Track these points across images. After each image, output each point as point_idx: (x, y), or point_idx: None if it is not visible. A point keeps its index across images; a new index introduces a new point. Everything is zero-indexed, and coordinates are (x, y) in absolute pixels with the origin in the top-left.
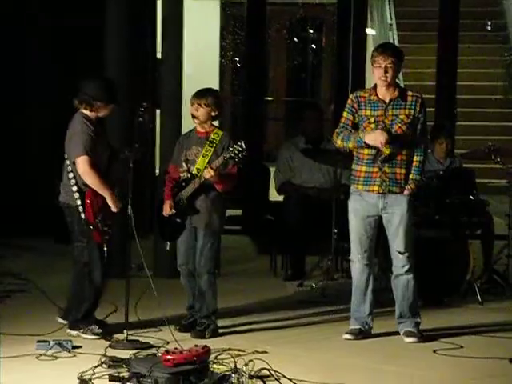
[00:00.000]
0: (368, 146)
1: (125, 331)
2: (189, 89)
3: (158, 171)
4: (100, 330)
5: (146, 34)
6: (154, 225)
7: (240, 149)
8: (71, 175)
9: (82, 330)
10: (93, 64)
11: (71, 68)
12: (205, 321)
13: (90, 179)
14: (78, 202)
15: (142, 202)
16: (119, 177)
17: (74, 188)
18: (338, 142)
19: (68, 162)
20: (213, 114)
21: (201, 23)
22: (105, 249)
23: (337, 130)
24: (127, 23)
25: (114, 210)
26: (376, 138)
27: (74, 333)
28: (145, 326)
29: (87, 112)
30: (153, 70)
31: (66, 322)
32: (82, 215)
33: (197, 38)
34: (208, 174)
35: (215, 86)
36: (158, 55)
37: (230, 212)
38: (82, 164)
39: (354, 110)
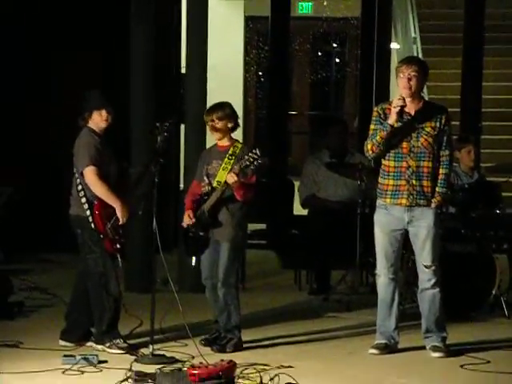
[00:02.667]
0: (394, 136)
1: (150, 346)
2: (212, 103)
3: (182, 186)
4: (125, 345)
5: (170, 48)
6: (178, 239)
7: (255, 156)
8: (80, 187)
9: (107, 345)
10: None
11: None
12: (228, 335)
13: (98, 189)
14: (88, 213)
15: (167, 216)
16: (145, 191)
17: (83, 199)
18: (369, 147)
19: (76, 175)
20: (229, 125)
21: (225, 38)
22: (119, 258)
23: (366, 141)
24: (152, 38)
25: (121, 221)
26: (395, 103)
27: (99, 347)
28: (170, 341)
29: (90, 125)
30: (177, 85)
31: (70, 344)
32: (92, 225)
33: (221, 53)
34: (231, 178)
35: (239, 100)
36: (183, 70)
37: (254, 226)
38: (90, 174)
39: (380, 121)
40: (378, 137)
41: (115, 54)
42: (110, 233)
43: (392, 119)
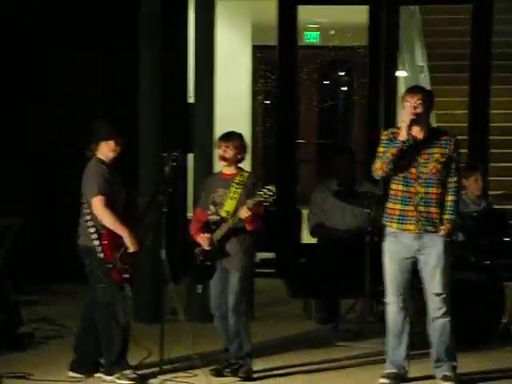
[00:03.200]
0: (403, 158)
1: (160, 376)
2: (220, 132)
3: (189, 215)
4: (135, 375)
5: (178, 78)
6: (186, 269)
7: (270, 193)
8: (88, 217)
9: (116, 375)
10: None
11: None
12: (240, 361)
13: (106, 219)
14: (96, 243)
15: (175, 246)
16: (153, 221)
17: (92, 229)
18: (378, 166)
19: (84, 205)
20: (239, 156)
21: (232, 67)
22: (128, 288)
23: (374, 161)
24: (159, 69)
25: (131, 249)
26: (403, 119)
27: (108, 378)
28: (180, 371)
29: (99, 155)
30: (185, 115)
31: (79, 375)
32: (101, 255)
33: (228, 82)
34: (244, 214)
35: (247, 129)
36: (190, 99)
37: (263, 255)
38: (98, 204)
39: (389, 144)
40: (388, 154)
41: (115, 54)
42: (118, 262)
43: (403, 135)
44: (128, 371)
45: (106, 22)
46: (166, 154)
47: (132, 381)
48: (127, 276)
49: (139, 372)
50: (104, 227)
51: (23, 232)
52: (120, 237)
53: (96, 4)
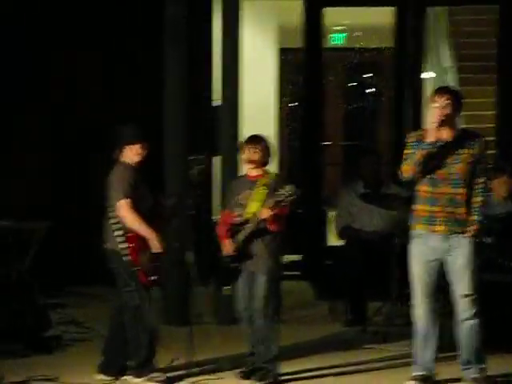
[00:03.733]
0: (431, 160)
1: (187, 379)
2: (247, 136)
3: (214, 217)
4: (163, 378)
5: (204, 81)
6: (214, 271)
7: (290, 192)
8: (113, 220)
9: (145, 378)
10: None
11: None
12: (266, 365)
13: (131, 222)
14: (123, 246)
15: (202, 248)
16: (180, 224)
17: (118, 232)
18: (406, 168)
19: (110, 208)
20: (264, 159)
21: (258, 70)
22: (154, 291)
23: (402, 164)
24: (186, 72)
25: (156, 250)
26: (432, 120)
27: (136, 381)
28: (207, 374)
29: (125, 160)
30: (211, 118)
31: (107, 378)
32: (127, 258)
33: (254, 85)
34: (266, 213)
35: (273, 131)
36: (214, 103)
37: (289, 257)
38: (123, 207)
39: (416, 146)
40: (417, 156)
41: (115, 54)
42: (145, 265)
43: (432, 136)
44: (156, 374)
45: (106, 22)
46: (192, 158)
47: (161, 383)
48: (154, 278)
49: (168, 374)
50: (130, 230)
51: (51, 234)
52: (146, 239)
53: (96, 4)
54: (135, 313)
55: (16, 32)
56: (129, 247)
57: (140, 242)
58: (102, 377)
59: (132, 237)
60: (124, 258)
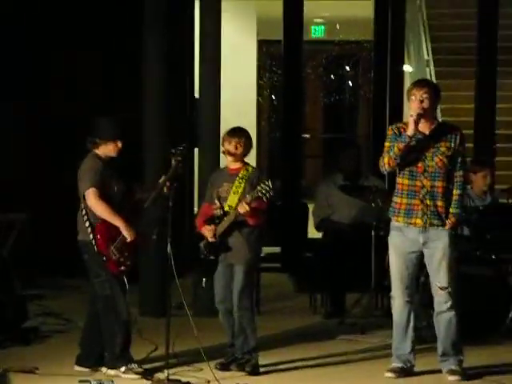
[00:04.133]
0: (409, 153)
1: (165, 370)
2: (226, 127)
3: (196, 209)
4: (140, 369)
5: (183, 73)
6: (192, 263)
7: (267, 188)
8: (84, 211)
9: (122, 369)
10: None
11: None
12: (245, 356)
13: (100, 210)
14: (91, 236)
15: (182, 240)
16: (159, 215)
17: (87, 223)
18: (385, 161)
19: (81, 200)
20: (245, 152)
21: (238, 61)
22: (125, 280)
23: (382, 156)
24: (165, 63)
25: (128, 238)
26: (411, 113)
27: (112, 372)
28: (185, 365)
29: (97, 151)
30: (190, 109)
31: (85, 369)
32: (96, 248)
33: (234, 77)
34: (243, 208)
35: (252, 123)
36: (196, 94)
37: (268, 249)
38: (91, 196)
39: (395, 139)
40: (395, 148)
41: (115, 54)
42: (113, 255)
43: (410, 129)
44: (134, 365)
45: (106, 22)
46: (173, 150)
47: (138, 375)
48: (123, 268)
49: (145, 366)
50: (98, 220)
51: (28, 226)
52: (116, 229)
53: (96, 4)
54: (107, 303)
55: (16, 32)
56: (96, 237)
57: (110, 231)
58: (80, 368)
59: (99, 226)
60: (93, 249)
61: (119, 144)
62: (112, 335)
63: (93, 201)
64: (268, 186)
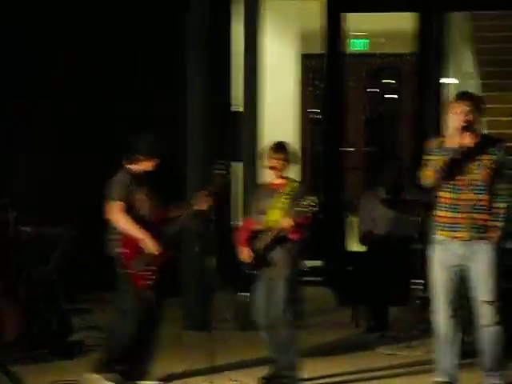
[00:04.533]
0: (452, 167)
1: None
2: (269, 141)
3: (232, 223)
4: (114, 377)
5: (224, 87)
6: (234, 278)
7: (312, 204)
8: (111, 224)
9: (102, 375)
10: None
11: None
12: (286, 373)
13: (122, 224)
14: (117, 250)
15: (224, 254)
16: (201, 229)
17: (113, 236)
18: (427, 174)
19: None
20: (287, 168)
21: (280, 75)
22: (152, 294)
23: (423, 169)
24: (207, 78)
25: (151, 253)
26: (454, 126)
27: (95, 376)
28: (227, 379)
29: (130, 166)
30: (233, 123)
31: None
32: (121, 261)
33: (276, 91)
34: (287, 223)
35: (295, 137)
36: (233, 108)
37: (310, 263)
38: (114, 210)
39: (437, 152)
40: (440, 162)
41: (115, 55)
42: (137, 268)
43: (454, 142)
44: (110, 375)
45: (105, 23)
46: (216, 164)
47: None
48: (149, 283)
49: (186, 379)
50: (124, 234)
51: (74, 240)
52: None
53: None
54: (121, 315)
55: (16, 32)
56: (122, 250)
57: (135, 244)
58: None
59: (124, 240)
60: (120, 262)
61: (155, 163)
62: (110, 346)
63: (115, 214)
64: (313, 201)
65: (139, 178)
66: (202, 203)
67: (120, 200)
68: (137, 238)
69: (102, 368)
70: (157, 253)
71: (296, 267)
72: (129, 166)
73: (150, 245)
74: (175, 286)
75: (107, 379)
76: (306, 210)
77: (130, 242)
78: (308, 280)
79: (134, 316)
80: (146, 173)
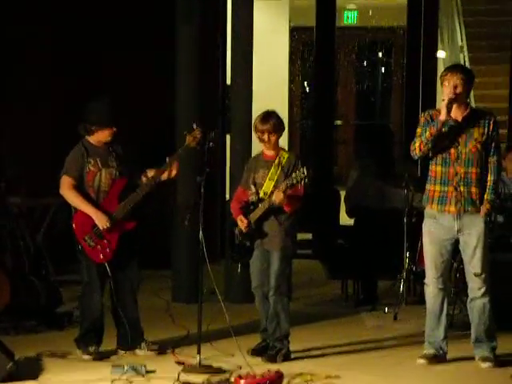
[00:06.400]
0: (442, 140)
1: (197, 356)
2: (258, 113)
3: (228, 196)
4: (94, 352)
5: (216, 60)
6: (225, 250)
7: (302, 175)
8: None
9: (80, 351)
10: None
11: None
12: (277, 344)
13: (68, 198)
14: (72, 225)
15: (214, 227)
16: (191, 202)
17: (73, 210)
18: (416, 145)
19: None
20: (278, 137)
21: (270, 48)
22: (107, 268)
23: (413, 141)
24: (198, 50)
25: (100, 227)
26: (443, 98)
27: (78, 352)
28: (217, 351)
29: (88, 138)
30: (223, 96)
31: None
32: (75, 236)
33: (266, 64)
34: (278, 198)
35: (284, 110)
36: (228, 81)
37: (300, 236)
38: (62, 184)
39: (428, 125)
40: (427, 133)
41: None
42: (89, 243)
43: (442, 114)
44: (90, 348)
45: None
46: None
47: (91, 355)
48: (102, 256)
49: (176, 350)
50: (75, 209)
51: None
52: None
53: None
54: (84, 289)
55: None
56: (72, 225)
57: (86, 219)
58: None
59: (75, 215)
60: (74, 236)
61: (115, 129)
62: (82, 319)
63: (62, 188)
64: (303, 172)
65: (97, 149)
66: (170, 169)
67: (69, 175)
68: (86, 212)
69: (79, 342)
70: (105, 226)
71: (291, 239)
72: (86, 138)
73: (99, 219)
74: (166, 257)
75: (85, 352)
76: (295, 181)
77: (81, 218)
78: (298, 253)
79: (92, 289)
80: (109, 143)
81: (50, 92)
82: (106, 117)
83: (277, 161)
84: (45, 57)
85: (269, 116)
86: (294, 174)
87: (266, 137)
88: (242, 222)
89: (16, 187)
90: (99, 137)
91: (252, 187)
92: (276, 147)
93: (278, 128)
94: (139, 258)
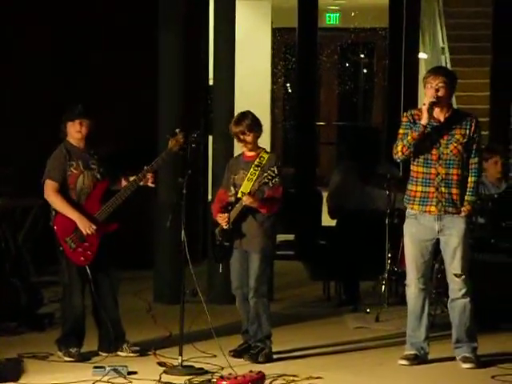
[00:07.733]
0: (424, 141)
1: (179, 357)
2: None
3: (210, 197)
4: (76, 353)
5: (198, 60)
6: (207, 250)
7: (273, 174)
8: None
9: (62, 352)
10: None
11: None
12: (259, 344)
13: (53, 203)
14: (54, 227)
15: (196, 228)
16: (172, 203)
17: (53, 212)
18: (399, 149)
19: None
20: (257, 135)
21: (252, 49)
22: (88, 271)
23: (395, 144)
24: (180, 50)
25: (84, 232)
26: (425, 101)
27: (59, 353)
28: (199, 352)
29: (69, 139)
30: (205, 97)
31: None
32: (57, 239)
33: (248, 65)
34: (247, 200)
35: (266, 111)
36: (210, 82)
37: (282, 237)
38: (46, 188)
39: (410, 126)
40: (409, 137)
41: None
42: (70, 245)
43: (424, 118)
44: (71, 349)
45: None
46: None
47: (72, 358)
48: (83, 259)
49: (158, 352)
50: (57, 212)
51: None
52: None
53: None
54: (64, 290)
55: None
56: (54, 227)
57: (68, 222)
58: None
59: (57, 217)
60: (55, 239)
61: (82, 123)
62: (63, 321)
63: (47, 193)
64: (273, 171)
65: (79, 151)
66: (146, 178)
67: (52, 179)
68: (69, 216)
69: (59, 345)
70: (89, 231)
71: (270, 240)
72: (66, 140)
73: (83, 225)
74: (147, 258)
75: (67, 354)
76: (266, 180)
77: (63, 220)
78: (280, 254)
79: (73, 291)
80: (90, 145)
81: (36, 92)
82: (74, 111)
83: (256, 161)
84: (32, 56)
85: (243, 117)
86: (265, 173)
87: (242, 137)
88: (221, 218)
89: (2, 188)
90: (71, 131)
91: (232, 188)
92: (256, 148)
93: (252, 127)
94: (118, 259)
